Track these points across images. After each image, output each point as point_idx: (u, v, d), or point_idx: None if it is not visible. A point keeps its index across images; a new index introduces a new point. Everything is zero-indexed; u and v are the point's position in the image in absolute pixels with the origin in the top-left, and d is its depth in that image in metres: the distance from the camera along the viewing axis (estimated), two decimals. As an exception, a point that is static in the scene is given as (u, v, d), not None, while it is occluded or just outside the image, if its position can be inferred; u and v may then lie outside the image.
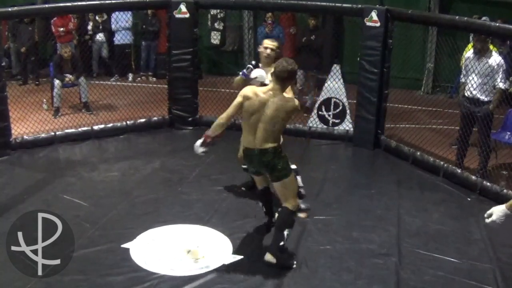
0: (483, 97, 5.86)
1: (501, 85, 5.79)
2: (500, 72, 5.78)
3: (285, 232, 4.25)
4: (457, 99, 6.40)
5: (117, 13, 9.50)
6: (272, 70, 4.31)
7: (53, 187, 5.67)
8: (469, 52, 6.20)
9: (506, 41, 7.85)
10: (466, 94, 6.04)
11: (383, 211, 5.32)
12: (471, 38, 7.46)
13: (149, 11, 9.77)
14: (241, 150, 4.92)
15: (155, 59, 10.27)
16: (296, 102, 4.19)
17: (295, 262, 4.30)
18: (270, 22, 8.66)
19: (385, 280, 4.18)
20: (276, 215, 4.43)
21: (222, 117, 4.27)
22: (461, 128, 6.13)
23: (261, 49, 5.24)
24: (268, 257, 4.26)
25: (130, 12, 9.73)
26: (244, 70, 5.20)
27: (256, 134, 4.13)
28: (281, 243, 4.24)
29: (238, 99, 4.18)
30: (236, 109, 4.19)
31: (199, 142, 4.41)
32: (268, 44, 5.18)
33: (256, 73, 4.92)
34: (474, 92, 5.91)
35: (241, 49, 10.77)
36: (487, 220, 3.83)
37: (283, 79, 4.08)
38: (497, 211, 3.80)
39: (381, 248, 4.62)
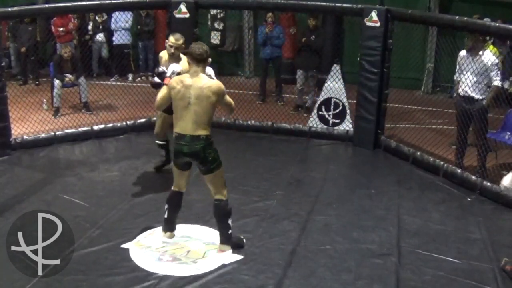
0: (478, 96, 5.87)
1: (496, 82, 5.79)
2: (495, 70, 5.78)
3: (230, 221, 4.44)
4: (456, 98, 6.39)
5: (117, 13, 9.50)
6: (182, 61, 4.91)
7: (53, 187, 5.67)
8: (463, 51, 6.19)
9: (506, 41, 7.85)
10: (460, 93, 6.04)
11: (383, 211, 5.32)
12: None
13: (143, 11, 9.75)
14: (158, 126, 5.75)
15: (154, 59, 10.25)
16: (220, 83, 4.26)
17: (244, 239, 4.58)
18: (270, 22, 8.65)
19: (385, 280, 4.18)
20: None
21: (156, 106, 4.42)
22: (458, 127, 6.13)
23: (166, 45, 5.48)
24: (223, 247, 4.45)
25: (130, 12, 9.72)
26: (158, 80, 4.92)
27: (187, 119, 4.17)
28: (230, 231, 4.44)
29: (163, 90, 4.32)
30: (163, 100, 4.31)
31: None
32: (175, 43, 5.39)
33: (172, 68, 4.55)
34: (468, 91, 5.91)
35: (241, 49, 10.77)
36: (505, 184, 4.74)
37: (202, 61, 4.19)
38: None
39: (381, 248, 4.62)
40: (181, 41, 5.42)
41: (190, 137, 4.18)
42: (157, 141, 5.98)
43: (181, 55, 5.33)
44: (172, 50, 5.38)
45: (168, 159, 5.94)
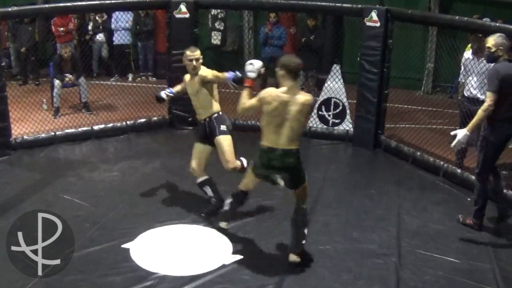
0: (482, 97, 5.86)
1: None
2: None
3: (306, 231, 4.32)
4: (456, 99, 6.39)
5: (117, 12, 9.50)
6: (197, 79, 4.85)
7: (53, 187, 5.67)
8: (467, 53, 6.20)
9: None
10: (465, 94, 6.04)
11: (383, 211, 5.32)
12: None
13: (142, 11, 9.75)
14: (196, 161, 5.05)
15: (154, 59, 10.26)
16: (311, 96, 4.22)
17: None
18: (270, 22, 8.64)
19: (385, 280, 4.18)
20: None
21: (242, 105, 4.22)
22: (461, 127, 6.12)
23: (185, 61, 5.00)
24: (293, 258, 4.27)
25: (130, 13, 9.72)
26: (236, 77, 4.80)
27: (281, 134, 4.04)
28: (304, 241, 4.30)
29: (253, 101, 4.15)
30: (251, 111, 4.29)
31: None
32: (193, 55, 4.96)
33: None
34: (474, 92, 5.92)
35: (241, 49, 10.77)
36: (452, 144, 4.81)
37: (296, 74, 4.09)
38: (460, 133, 4.74)
39: (381, 248, 4.62)
40: (198, 52, 5.03)
41: (282, 151, 4.05)
42: (198, 181, 5.15)
43: (199, 73, 4.98)
44: (194, 63, 4.94)
45: (220, 199, 5.05)
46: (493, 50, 4.75)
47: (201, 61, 4.98)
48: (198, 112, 5.08)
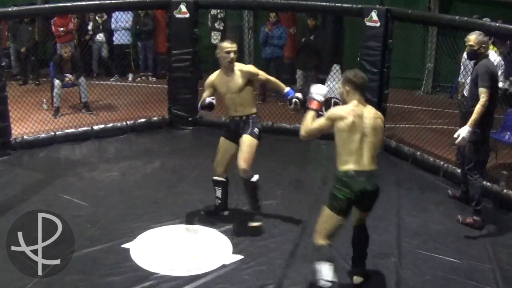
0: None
1: (500, 84, 5.79)
2: (499, 72, 5.78)
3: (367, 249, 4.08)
4: (456, 99, 6.39)
5: (117, 12, 9.51)
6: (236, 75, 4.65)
7: (53, 187, 5.67)
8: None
9: (506, 41, 7.85)
10: (465, 94, 6.03)
11: (383, 211, 5.32)
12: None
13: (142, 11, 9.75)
14: (221, 160, 4.88)
15: (154, 59, 10.26)
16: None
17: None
18: (270, 22, 8.64)
19: (385, 280, 4.18)
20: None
21: (305, 133, 3.91)
22: (461, 127, 6.12)
23: (221, 54, 4.72)
24: (358, 279, 4.03)
25: (130, 12, 9.72)
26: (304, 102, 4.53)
27: (363, 153, 3.69)
28: (365, 261, 4.07)
29: (322, 120, 3.81)
30: (320, 132, 3.88)
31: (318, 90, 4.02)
32: (231, 47, 4.71)
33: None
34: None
35: (241, 49, 10.76)
36: (457, 141, 4.85)
37: (363, 89, 3.83)
38: (463, 130, 4.81)
39: (381, 248, 4.62)
40: (235, 44, 4.76)
41: (369, 173, 3.70)
42: (214, 178, 5.04)
43: (236, 69, 4.76)
44: (232, 56, 4.67)
45: (225, 204, 5.09)
46: (476, 47, 4.93)
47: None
48: (236, 110, 4.79)
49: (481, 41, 4.91)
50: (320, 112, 3.99)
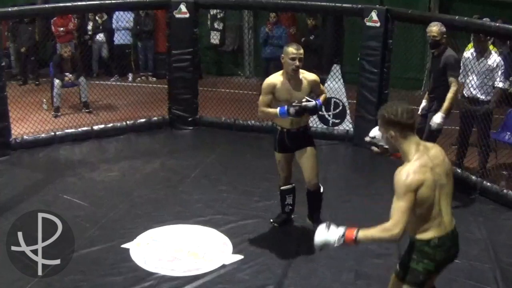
0: (482, 97, 5.87)
1: (500, 84, 5.80)
2: (499, 72, 5.78)
3: None
4: (456, 99, 6.39)
5: (118, 12, 9.51)
6: (306, 83, 4.38)
7: (53, 187, 5.67)
8: (467, 52, 6.20)
9: (506, 41, 7.84)
10: (465, 94, 6.04)
11: (383, 211, 5.30)
12: (471, 38, 7.45)
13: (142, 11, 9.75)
14: (283, 174, 4.71)
15: (154, 59, 10.26)
16: None
17: None
18: (270, 21, 8.64)
19: (385, 280, 4.16)
20: None
21: (398, 234, 2.79)
22: (461, 128, 6.13)
23: (286, 59, 4.41)
24: None
25: (131, 12, 9.72)
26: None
27: (443, 210, 2.90)
28: None
29: (407, 201, 2.76)
30: (408, 216, 2.78)
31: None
32: (297, 53, 4.37)
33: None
34: (474, 92, 5.92)
35: (241, 49, 10.77)
36: (433, 125, 5.18)
37: (413, 125, 2.92)
38: (437, 117, 5.20)
39: (381, 248, 4.61)
40: (302, 50, 4.42)
41: (453, 233, 2.95)
42: (284, 188, 4.82)
43: (301, 77, 4.42)
44: (297, 63, 4.34)
45: (292, 212, 4.91)
46: (438, 38, 5.36)
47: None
48: (295, 120, 4.43)
49: (443, 32, 5.36)
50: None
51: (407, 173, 2.79)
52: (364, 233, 2.89)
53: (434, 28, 5.38)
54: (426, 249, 2.90)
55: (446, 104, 5.24)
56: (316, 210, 4.85)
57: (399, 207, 2.77)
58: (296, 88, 4.41)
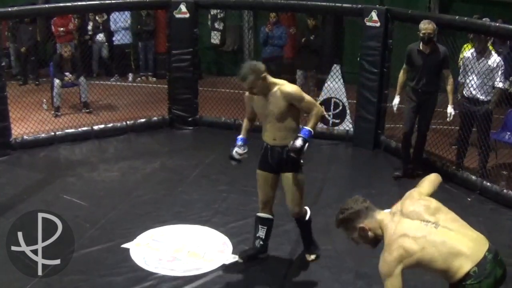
0: (482, 97, 5.87)
1: (500, 85, 5.80)
2: (499, 72, 5.78)
3: None
4: (456, 99, 6.39)
5: (114, 14, 9.53)
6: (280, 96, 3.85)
7: (53, 187, 5.67)
8: (467, 52, 6.20)
9: (506, 41, 7.84)
10: (465, 94, 6.04)
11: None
12: (469, 38, 7.45)
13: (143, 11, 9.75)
14: (261, 198, 4.22)
15: (154, 59, 10.27)
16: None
17: None
18: (270, 21, 8.64)
19: (385, 280, 4.17)
20: None
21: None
22: (461, 128, 6.14)
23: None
24: None
25: (128, 12, 9.71)
26: None
27: (457, 241, 2.77)
28: None
29: (396, 272, 2.78)
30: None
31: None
32: (246, 83, 3.96)
33: None
34: (473, 92, 5.91)
35: (241, 49, 10.77)
36: (451, 117, 5.77)
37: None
38: (450, 109, 5.76)
39: (381, 248, 4.60)
40: (249, 79, 3.94)
41: (488, 253, 2.82)
42: (259, 215, 4.35)
43: (278, 88, 3.95)
44: (250, 91, 3.97)
45: (266, 246, 4.39)
46: (432, 35, 5.62)
47: None
48: (279, 135, 4.13)
49: (435, 28, 5.67)
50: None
51: (387, 259, 2.78)
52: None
53: (431, 26, 5.59)
54: (472, 282, 2.63)
55: (452, 96, 5.82)
56: (306, 240, 4.39)
57: (397, 273, 2.74)
58: (270, 102, 3.95)
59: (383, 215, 2.79)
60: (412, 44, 5.95)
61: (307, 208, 4.33)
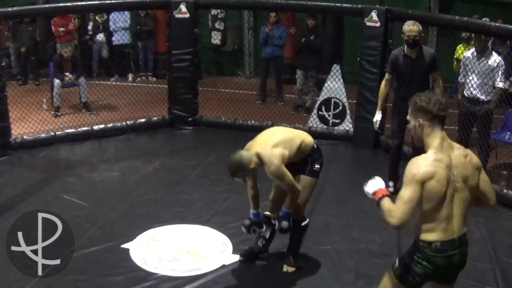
0: (483, 97, 5.87)
1: (500, 85, 5.80)
2: (500, 72, 5.78)
3: None
4: (456, 99, 6.40)
5: (114, 14, 9.52)
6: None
7: (53, 187, 5.67)
8: (468, 52, 6.20)
9: (506, 41, 7.85)
10: (465, 94, 6.04)
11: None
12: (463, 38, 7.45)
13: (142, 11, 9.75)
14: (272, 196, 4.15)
15: (154, 59, 10.27)
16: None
17: None
18: (270, 21, 8.64)
19: (385, 280, 4.17)
20: None
21: (398, 222, 2.72)
22: (461, 128, 6.13)
23: None
24: None
25: (128, 12, 9.71)
26: None
27: (452, 216, 2.77)
28: None
29: (412, 192, 2.74)
30: (412, 208, 2.72)
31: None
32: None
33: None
34: (474, 92, 5.91)
35: (241, 49, 10.77)
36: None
37: (444, 119, 2.83)
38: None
39: (381, 248, 4.62)
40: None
41: (458, 240, 2.80)
42: (267, 214, 4.25)
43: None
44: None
45: (268, 246, 4.41)
46: (418, 38, 5.22)
47: None
48: None
49: (421, 31, 5.27)
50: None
51: (417, 164, 2.75)
52: (383, 203, 2.83)
53: (415, 28, 5.20)
54: (427, 252, 2.79)
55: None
56: (291, 248, 4.25)
57: (402, 196, 2.74)
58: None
59: (441, 136, 2.80)
60: (395, 50, 5.53)
61: (307, 219, 4.26)
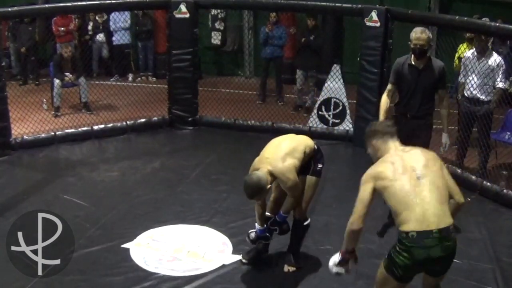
0: (483, 97, 5.87)
1: (500, 85, 5.80)
2: (500, 72, 5.78)
3: None
4: (456, 99, 6.40)
5: (114, 14, 9.52)
6: None
7: (53, 187, 5.67)
8: (468, 52, 6.20)
9: (506, 41, 7.85)
10: (465, 94, 6.04)
11: (383, 211, 5.31)
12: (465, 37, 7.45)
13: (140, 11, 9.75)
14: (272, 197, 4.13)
15: (154, 59, 10.27)
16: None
17: None
18: (270, 21, 8.64)
19: (385, 280, 4.17)
20: None
21: (354, 220, 3.08)
22: (461, 128, 6.13)
23: None
24: None
25: (128, 12, 9.71)
26: None
27: (425, 204, 2.85)
28: None
29: (365, 190, 3.05)
30: (368, 205, 3.04)
31: (334, 260, 3.28)
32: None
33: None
34: (474, 92, 5.91)
35: (241, 49, 10.77)
36: (445, 149, 4.90)
37: (393, 133, 3.18)
38: (445, 137, 4.86)
39: (381, 248, 4.61)
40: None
41: (439, 232, 2.81)
42: (269, 214, 4.19)
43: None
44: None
45: (263, 250, 4.39)
46: (426, 47, 4.62)
47: None
48: None
49: (431, 39, 4.71)
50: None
51: (368, 169, 3.05)
52: (345, 240, 3.08)
53: (423, 36, 4.57)
54: (405, 242, 2.85)
55: (447, 122, 4.95)
56: (292, 247, 4.29)
57: (366, 190, 3.03)
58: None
59: (394, 146, 3.08)
60: (400, 58, 4.90)
61: (309, 218, 4.29)
